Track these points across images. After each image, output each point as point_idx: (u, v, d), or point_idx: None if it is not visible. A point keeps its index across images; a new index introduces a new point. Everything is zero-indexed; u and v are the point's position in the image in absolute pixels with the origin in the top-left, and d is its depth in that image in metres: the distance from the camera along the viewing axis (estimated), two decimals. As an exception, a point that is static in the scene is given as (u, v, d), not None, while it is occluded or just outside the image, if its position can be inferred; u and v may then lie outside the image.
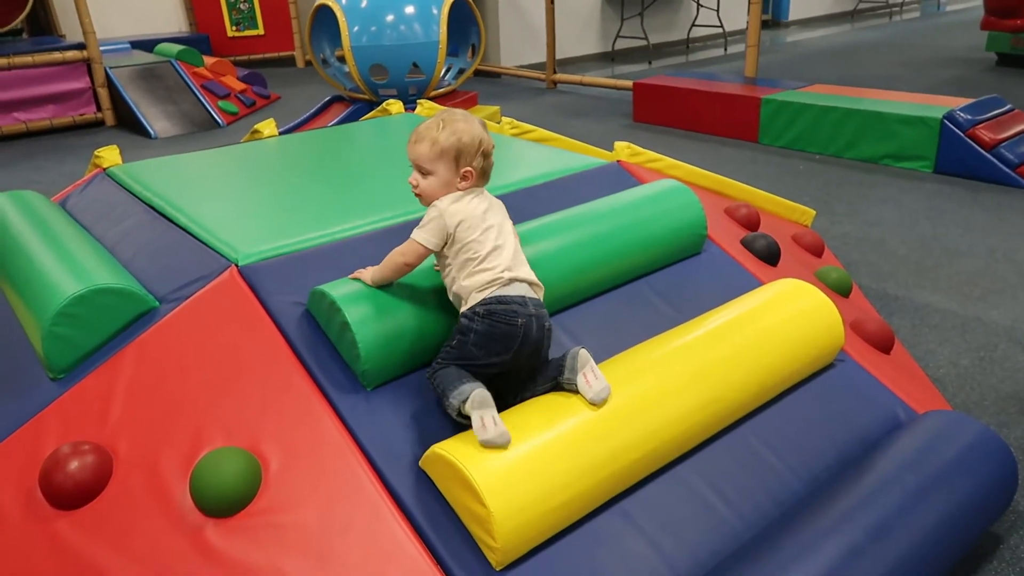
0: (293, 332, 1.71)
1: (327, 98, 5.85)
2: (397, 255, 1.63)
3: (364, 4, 5.26)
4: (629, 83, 6.27)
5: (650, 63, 8.86)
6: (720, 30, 9.77)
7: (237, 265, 1.83)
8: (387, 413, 1.61)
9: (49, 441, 1.59)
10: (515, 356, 1.55)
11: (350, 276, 1.71)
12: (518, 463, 1.44)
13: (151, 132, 6.10)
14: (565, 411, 1.54)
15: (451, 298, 1.63)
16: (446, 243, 1.58)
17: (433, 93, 5.52)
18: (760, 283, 2.22)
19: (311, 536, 1.43)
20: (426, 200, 1.63)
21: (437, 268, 1.70)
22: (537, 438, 1.48)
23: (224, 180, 2.54)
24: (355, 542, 1.43)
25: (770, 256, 2.41)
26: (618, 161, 2.58)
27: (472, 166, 1.58)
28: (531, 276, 1.62)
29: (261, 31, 9.30)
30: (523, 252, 1.67)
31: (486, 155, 1.60)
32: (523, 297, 1.56)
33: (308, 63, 9.41)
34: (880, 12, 12.55)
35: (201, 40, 8.58)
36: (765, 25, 11.19)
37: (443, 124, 1.57)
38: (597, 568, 1.46)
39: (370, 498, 1.48)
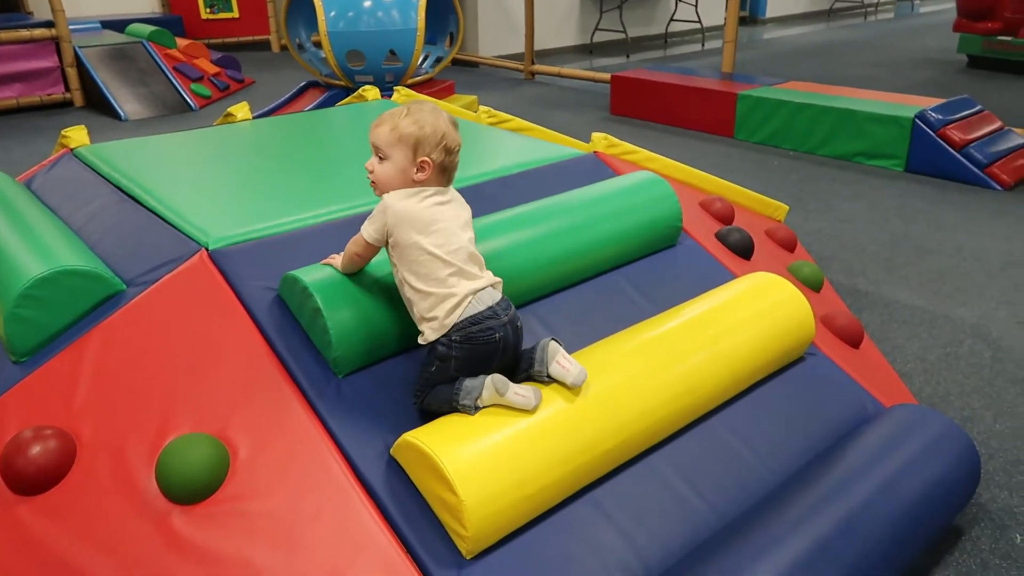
0: (264, 318, 1.69)
1: (302, 83, 5.78)
2: (350, 245, 1.61)
3: (341, -11, 5.20)
4: (607, 76, 6.28)
5: (628, 56, 8.87)
6: (698, 25, 9.81)
7: (207, 249, 1.80)
8: (358, 401, 1.60)
9: (10, 425, 1.55)
10: (496, 366, 1.54)
11: (322, 262, 1.69)
12: (489, 452, 1.43)
13: (121, 114, 5.98)
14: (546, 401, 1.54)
15: (404, 301, 1.57)
16: (388, 242, 1.54)
17: (410, 81, 5.48)
18: (734, 276, 2.23)
19: (280, 524, 1.41)
20: (380, 189, 1.57)
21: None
22: (509, 428, 1.48)
23: (195, 163, 2.49)
24: (325, 531, 1.41)
25: (744, 250, 2.43)
26: (595, 152, 2.58)
27: (430, 158, 1.51)
28: (490, 276, 1.57)
29: (236, 14, 9.16)
30: (479, 247, 1.59)
31: (448, 151, 1.53)
32: (492, 308, 1.51)
33: (283, 48, 9.29)
34: (855, 12, 12.68)
35: (174, 21, 8.44)
36: (743, 22, 11.26)
37: (408, 111, 1.54)
38: (567, 558, 1.46)
39: (340, 486, 1.46)
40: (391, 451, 1.51)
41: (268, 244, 1.86)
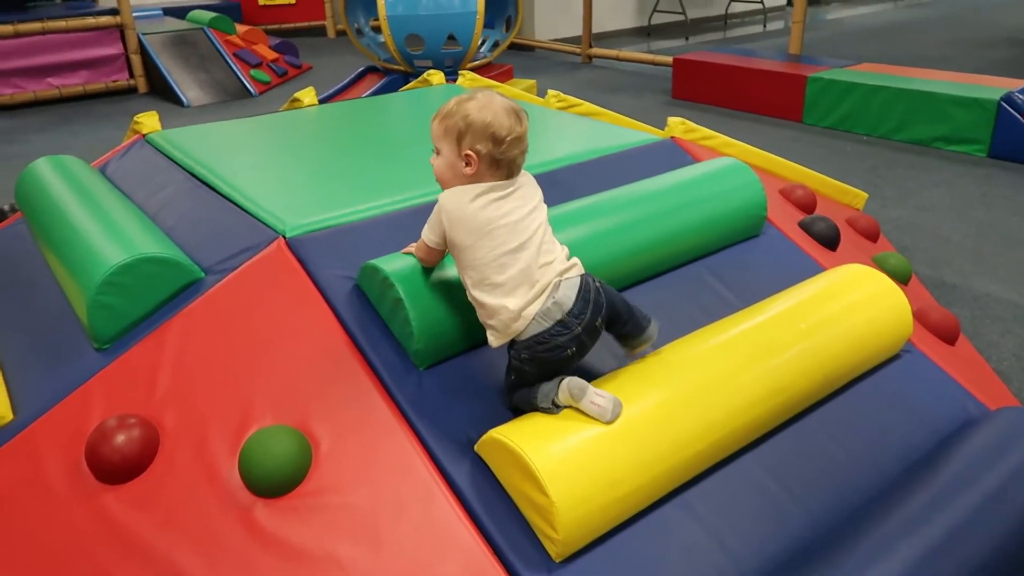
0: (343, 308, 1.66)
1: (361, 68, 5.77)
2: (414, 248, 1.57)
3: (401, -28, 5.15)
4: (668, 59, 6.13)
5: (687, 39, 8.67)
6: (760, 6, 9.53)
7: (285, 237, 1.78)
8: (439, 394, 1.55)
9: (95, 413, 1.55)
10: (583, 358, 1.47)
11: (402, 251, 1.65)
12: (580, 451, 1.37)
13: (183, 100, 6.06)
14: (628, 399, 1.47)
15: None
16: (446, 244, 1.47)
17: (470, 65, 5.42)
18: (821, 268, 2.12)
19: (363, 519, 1.38)
20: (441, 184, 1.48)
21: None
22: (599, 426, 1.41)
23: (266, 149, 2.48)
24: (409, 527, 1.38)
25: (829, 240, 2.32)
26: (672, 137, 2.49)
27: (475, 149, 1.39)
28: (561, 268, 1.42)
29: (292, 0, 9.20)
30: (555, 236, 1.48)
31: (498, 141, 1.38)
32: (562, 321, 1.38)
33: (339, 33, 9.31)
34: (924, -10, 12.17)
35: (232, 8, 8.52)
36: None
37: (459, 101, 1.44)
38: (659, 562, 1.40)
39: (423, 482, 1.42)
40: (475, 447, 1.47)
41: (344, 232, 1.83)
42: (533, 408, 1.47)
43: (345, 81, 5.64)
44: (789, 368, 1.65)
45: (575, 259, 1.48)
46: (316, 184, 2.11)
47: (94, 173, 2.35)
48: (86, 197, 2.05)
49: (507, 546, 1.35)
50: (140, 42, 6.34)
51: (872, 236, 2.82)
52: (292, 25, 9.24)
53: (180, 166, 2.32)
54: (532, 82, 5.71)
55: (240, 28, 7.19)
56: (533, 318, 1.39)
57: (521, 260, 1.40)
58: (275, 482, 1.40)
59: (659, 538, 1.43)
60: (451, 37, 5.28)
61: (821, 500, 1.58)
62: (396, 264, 1.59)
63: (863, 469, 1.66)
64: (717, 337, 1.68)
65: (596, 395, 1.41)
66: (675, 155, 2.39)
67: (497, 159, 1.41)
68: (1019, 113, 4.11)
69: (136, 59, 6.36)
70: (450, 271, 1.60)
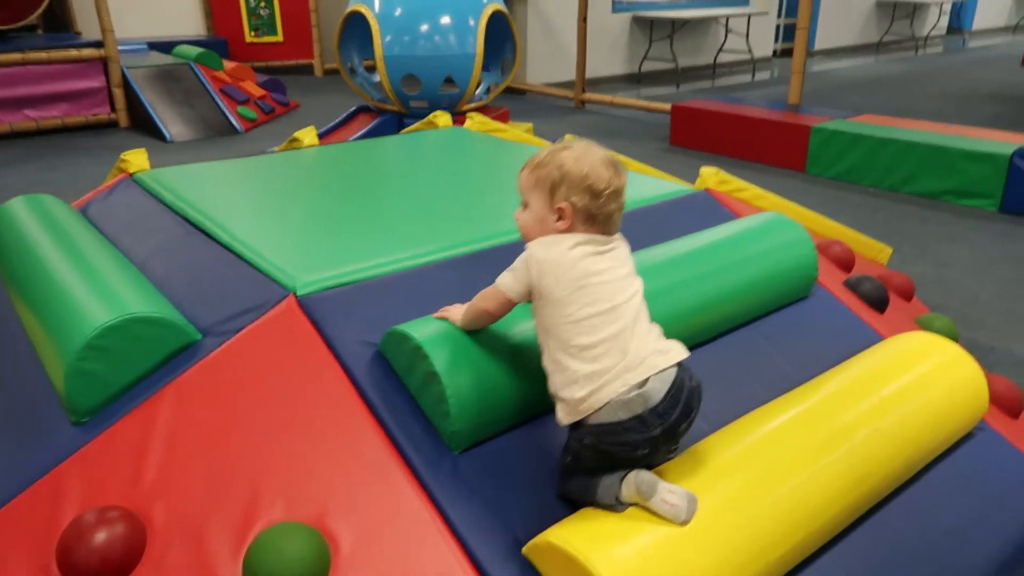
0: (363, 378, 1.44)
1: (353, 108, 5.60)
2: (479, 299, 1.36)
3: (398, 12, 5.03)
4: (664, 105, 6.04)
5: (678, 86, 8.65)
6: (747, 56, 9.59)
7: (295, 294, 1.56)
8: (478, 483, 1.33)
9: (70, 503, 1.31)
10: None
11: (436, 315, 1.44)
12: (652, 560, 1.16)
13: (167, 135, 5.84)
14: (700, 495, 1.27)
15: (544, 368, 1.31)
16: (532, 296, 1.29)
17: (466, 107, 5.28)
18: (876, 334, 1.95)
19: (394, 641, 1.15)
20: (526, 238, 1.33)
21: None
22: (669, 527, 1.20)
23: (267, 193, 2.27)
24: (449, 651, 1.15)
25: (878, 301, 2.15)
26: (706, 189, 2.32)
27: (570, 202, 1.25)
28: (657, 362, 1.23)
29: (280, 38, 9.08)
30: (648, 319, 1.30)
31: (595, 194, 1.25)
32: (641, 416, 1.19)
33: (327, 72, 9.19)
34: (906, 45, 12.40)
35: (219, 44, 8.35)
36: (789, 53, 11.01)
37: (553, 151, 1.29)
38: None
39: (466, 594, 1.20)
40: (524, 550, 1.25)
41: (362, 290, 1.62)
42: (591, 503, 1.25)
43: (337, 120, 5.47)
44: (870, 452, 1.46)
45: (675, 342, 1.29)
46: (326, 234, 1.90)
47: (75, 215, 2.12)
48: (66, 244, 1.83)
49: (568, 676, 1.13)
50: (124, 76, 6.13)
51: (907, 295, 2.67)
52: (279, 63, 9.10)
53: (172, 209, 2.10)
54: (529, 125, 5.57)
55: (228, 64, 7.02)
56: (608, 403, 1.19)
57: (615, 324, 1.22)
58: (289, 593, 1.16)
59: (741, 661, 1.22)
60: (448, 79, 5.14)
61: (911, 607, 1.38)
62: (429, 331, 1.38)
63: (952, 567, 1.46)
64: (786, 417, 1.48)
65: (668, 491, 1.20)
66: (712, 208, 2.22)
67: (593, 214, 1.27)
68: (1031, 168, 4.03)
69: (119, 93, 6.14)
70: (488, 339, 1.40)
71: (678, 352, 1.26)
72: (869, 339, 1.92)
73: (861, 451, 1.45)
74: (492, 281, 1.33)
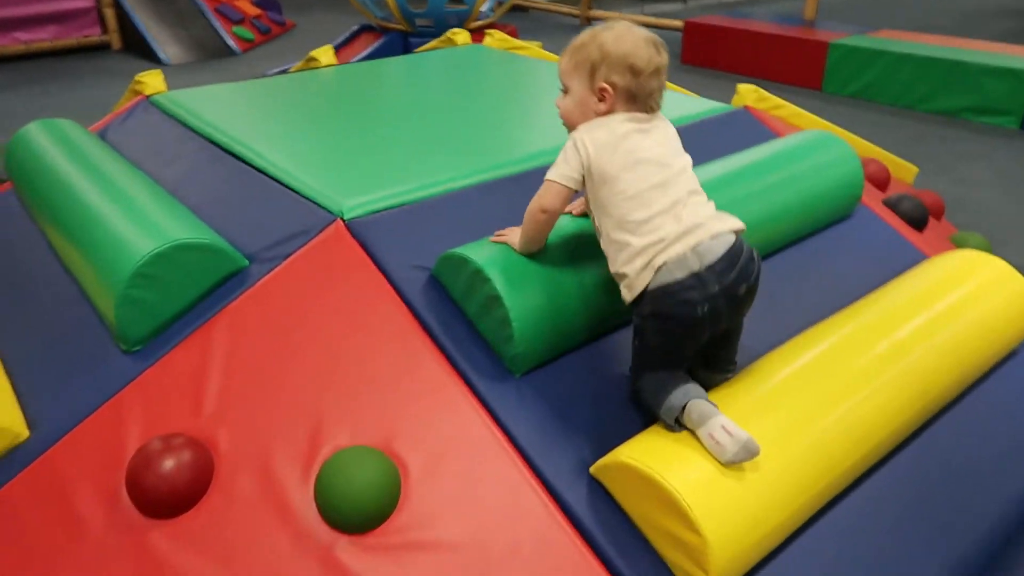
0: (419, 303, 1.42)
1: (355, 27, 5.42)
2: (534, 203, 1.31)
3: (401, -76, 4.81)
4: (677, 22, 5.87)
5: (686, 1, 8.39)
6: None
7: (343, 219, 1.52)
8: (542, 405, 1.33)
9: (133, 431, 1.30)
10: (713, 334, 1.25)
11: (492, 238, 1.41)
12: (730, 483, 1.17)
13: (162, 57, 5.66)
14: (767, 417, 1.27)
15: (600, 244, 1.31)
16: (585, 178, 1.27)
17: (473, 25, 5.11)
18: (921, 253, 1.93)
19: (469, 560, 1.17)
20: (568, 125, 1.33)
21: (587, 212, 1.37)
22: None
23: (295, 115, 2.19)
24: (524, 569, 1.16)
25: (918, 220, 2.13)
26: (745, 106, 2.26)
27: (610, 81, 1.25)
28: (712, 226, 1.22)
29: (270, -47, 8.71)
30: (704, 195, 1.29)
31: (636, 72, 1.24)
32: (698, 274, 1.19)
33: (320, -10, 8.85)
34: (914, -43, 11.98)
35: (207, -39, 8.01)
36: (797, -34, 10.64)
37: (593, 33, 1.28)
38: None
39: (537, 513, 1.21)
40: (592, 470, 1.25)
41: (410, 212, 1.58)
42: (654, 409, 1.25)
43: (339, 40, 5.30)
44: (925, 369, 1.46)
45: (731, 216, 1.28)
46: (363, 157, 1.84)
47: (95, 140, 2.05)
48: (95, 170, 1.77)
49: (643, 590, 1.15)
50: (113, -5, 5.90)
51: (938, 215, 2.64)
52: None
53: (197, 133, 2.03)
54: (538, 44, 5.41)
55: (219, -18, 6.74)
56: (664, 264, 1.19)
57: (668, 196, 1.23)
58: (364, 515, 1.17)
59: (810, 566, 1.24)
60: (454, -5, 4.96)
61: (961, 515, 1.40)
62: (488, 254, 1.35)
63: (998, 486, 1.49)
64: (842, 335, 1.48)
65: (720, 427, 1.17)
66: (752, 126, 2.17)
67: (635, 93, 1.26)
68: (1056, 84, 3.95)
69: (110, 13, 5.92)
70: (548, 261, 1.37)
71: (735, 221, 1.26)
72: (913, 257, 1.90)
73: (917, 368, 1.45)
74: (539, 202, 1.31)
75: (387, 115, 2.16)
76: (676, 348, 1.25)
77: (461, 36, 3.06)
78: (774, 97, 2.33)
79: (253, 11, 6.56)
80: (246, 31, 6.20)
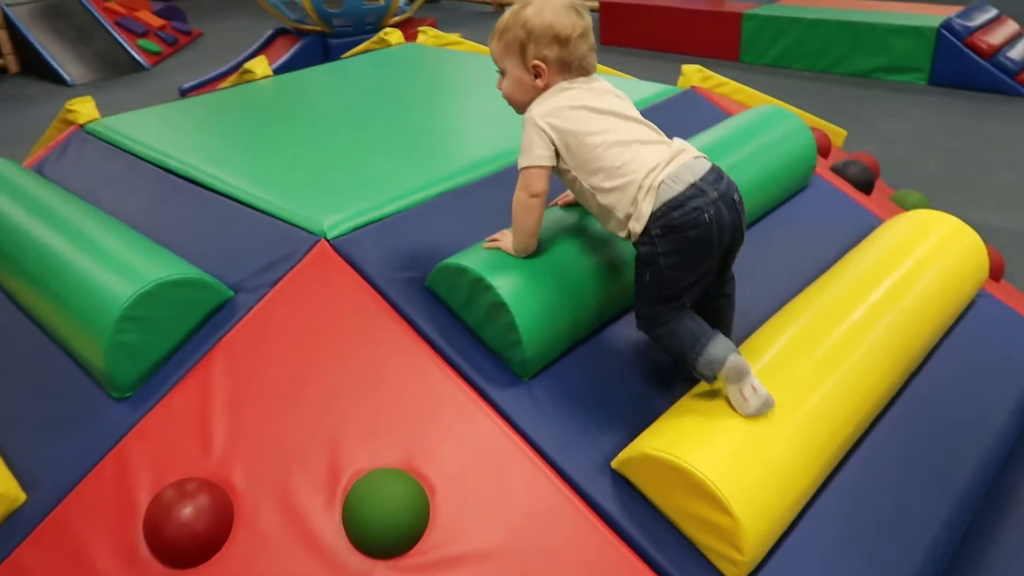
0: (418, 316, 1.41)
1: (269, 32, 5.27)
2: (520, 194, 1.31)
3: (309, -78, 4.69)
4: (593, 2, 5.92)
5: (593, -18, 8.46)
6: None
7: (326, 238, 1.50)
8: (555, 406, 1.35)
9: (142, 481, 1.25)
10: (720, 254, 1.29)
11: (484, 244, 1.41)
12: (753, 461, 1.21)
13: (66, 78, 5.38)
14: (773, 383, 1.32)
15: (594, 213, 1.35)
16: (558, 150, 1.29)
17: (392, 21, 5.05)
18: (876, 217, 2.03)
19: (507, 567, 1.18)
20: (515, 106, 1.37)
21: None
22: (758, 427, 1.25)
23: (246, 133, 2.13)
24: (562, 569, 1.18)
25: (865, 184, 2.23)
26: (692, 87, 2.31)
27: (541, 56, 1.28)
28: (691, 150, 1.30)
29: (164, -41, 8.36)
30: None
31: (564, 41, 1.28)
32: (695, 184, 1.24)
33: (221, -6, 8.56)
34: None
35: (97, -29, 7.63)
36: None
37: (514, 13, 1.31)
38: (835, 554, 1.27)
39: (568, 513, 1.23)
40: (614, 464, 1.28)
41: (392, 225, 1.57)
42: (683, 361, 1.29)
43: (255, 46, 5.15)
44: (901, 329, 1.54)
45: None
46: (331, 172, 1.81)
47: (37, 178, 1.94)
48: (49, 213, 1.67)
49: (681, 575, 1.18)
50: (6, 15, 5.56)
51: (875, 176, 2.77)
52: (167, -13, 8.41)
53: (147, 160, 1.95)
54: (457, 35, 5.38)
55: (116, -7, 6.45)
56: (663, 182, 1.23)
57: (641, 134, 1.30)
58: (397, 538, 1.17)
59: (825, 530, 1.30)
60: (371, -8, 4.88)
61: (958, 467, 1.49)
62: (488, 261, 1.36)
63: (981, 423, 1.59)
64: (826, 307, 1.54)
65: (750, 387, 1.24)
66: (703, 107, 2.22)
67: (568, 61, 1.30)
68: (958, 39, 4.17)
69: (3, 35, 5.58)
70: (543, 262, 1.38)
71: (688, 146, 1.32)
72: (869, 222, 1.99)
73: (895, 328, 1.53)
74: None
75: (343, 125, 2.12)
76: (690, 266, 1.27)
77: (395, 36, 3.02)
78: (717, 75, 2.39)
79: (157, 22, 6.31)
80: (152, 44, 5.96)
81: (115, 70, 5.59)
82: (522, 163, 1.31)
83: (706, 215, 1.24)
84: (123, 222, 1.73)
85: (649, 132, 1.32)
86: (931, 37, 4.24)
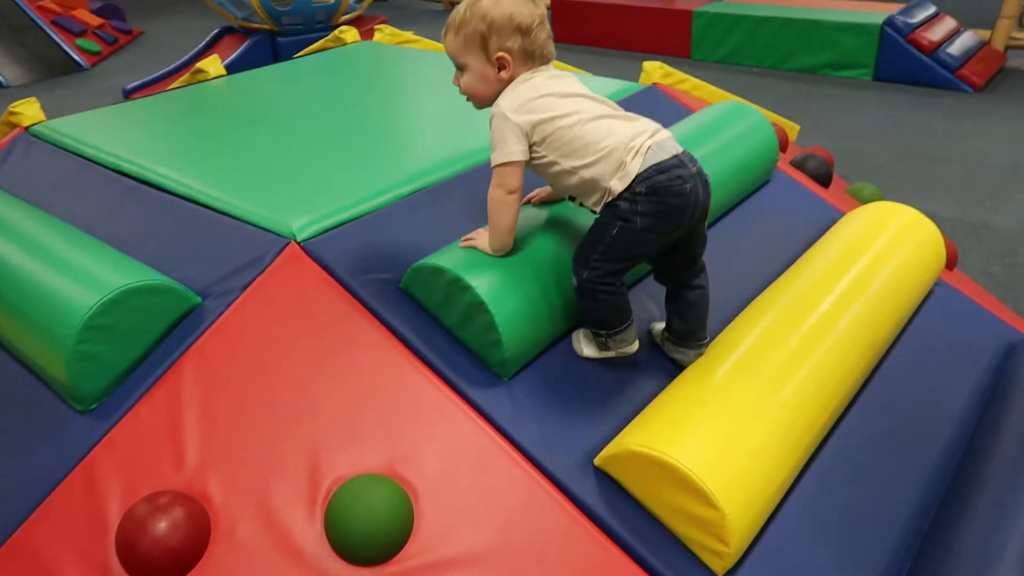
0: (393, 318, 1.39)
1: (215, 30, 5.15)
2: (495, 191, 1.30)
3: (254, -82, 4.59)
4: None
5: (542, -21, 8.48)
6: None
7: (296, 240, 1.46)
8: (535, 406, 1.34)
9: (112, 496, 1.21)
10: (685, 229, 1.32)
11: (461, 243, 1.40)
12: (733, 451, 1.22)
13: (1, 80, 5.17)
14: (749, 374, 1.34)
15: (574, 191, 1.34)
16: (532, 141, 1.29)
17: (343, 19, 4.98)
18: (836, 210, 2.07)
19: (496, 568, 1.17)
20: (476, 102, 1.36)
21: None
22: (739, 420, 1.27)
23: (203, 134, 2.07)
24: (551, 568, 1.18)
25: (824, 177, 2.27)
26: (654, 84, 2.33)
27: (505, 48, 1.28)
28: (663, 129, 1.33)
29: (101, -45, 8.10)
30: None
31: (525, 31, 1.28)
32: (678, 156, 1.28)
33: (162, -8, 8.34)
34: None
35: (29, -32, 7.35)
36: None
37: (470, 6, 1.29)
38: (811, 543, 1.29)
39: (555, 512, 1.22)
40: (597, 461, 1.28)
41: (362, 226, 1.54)
42: (598, 328, 1.37)
43: (201, 45, 5.02)
44: (868, 319, 1.58)
45: None
46: (295, 173, 1.76)
47: (-19, 183, 1.86)
48: (-1, 217, 1.61)
49: (668, 569, 1.19)
50: (-69, 14, 5.33)
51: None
52: (103, -15, 8.15)
53: (100, 164, 1.88)
54: (409, 33, 5.33)
55: (50, -8, 6.22)
56: (650, 147, 1.26)
57: (609, 112, 1.31)
58: (383, 545, 1.15)
59: (802, 520, 1.32)
60: (320, -11, 4.81)
61: (923, 451, 1.53)
62: (464, 261, 1.34)
63: (948, 404, 1.63)
64: (795, 300, 1.57)
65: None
66: (665, 103, 2.24)
67: (530, 51, 1.30)
68: (900, 36, 4.30)
69: (-70, 35, 5.34)
70: (519, 261, 1.37)
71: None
72: (830, 215, 2.03)
73: (862, 318, 1.56)
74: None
75: (303, 125, 2.08)
76: (661, 231, 1.28)
77: (350, 34, 2.98)
78: (677, 72, 2.42)
79: (95, 21, 6.10)
80: (91, 43, 5.76)
81: (53, 70, 5.40)
82: (496, 160, 1.29)
83: (687, 185, 1.27)
84: (78, 228, 1.66)
85: (617, 109, 1.34)
86: (875, 34, 4.36)
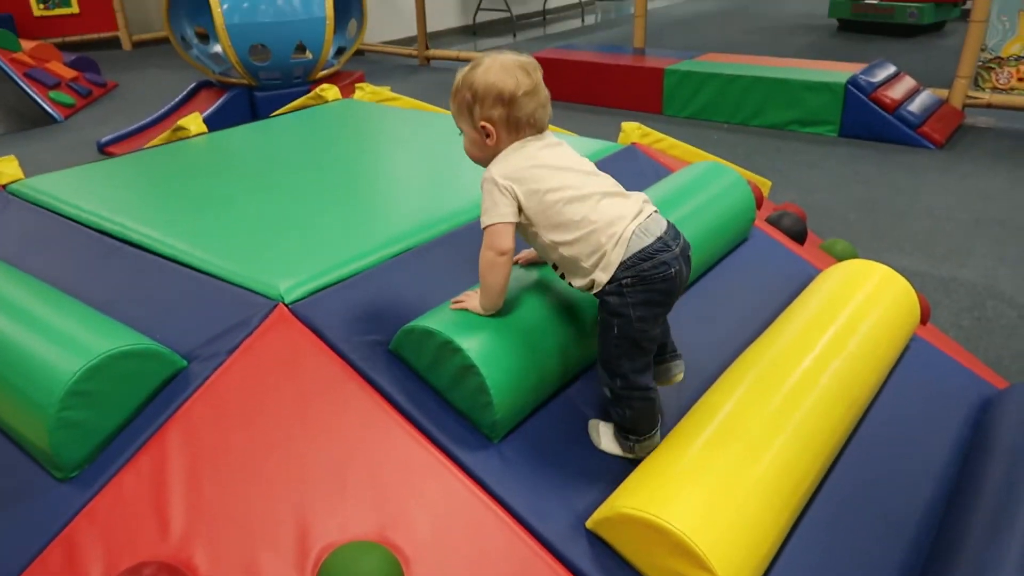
0: (383, 380, 1.39)
1: (192, 84, 5.17)
2: (487, 252, 1.31)
3: (234, -25, 4.66)
4: (518, 57, 6.07)
5: (515, 36, 8.68)
6: (575, 0, 9.77)
7: (284, 302, 1.46)
8: (526, 467, 1.34)
9: (93, 568, 1.17)
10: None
11: (451, 305, 1.41)
12: (725, 512, 1.23)
13: (-28, 132, 5.13)
14: (731, 437, 1.35)
15: (557, 266, 1.36)
16: (521, 206, 1.30)
17: (321, 74, 5.04)
18: (813, 267, 2.12)
19: (489, 640, 1.15)
20: (476, 162, 1.39)
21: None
22: (731, 480, 1.27)
23: (186, 193, 2.06)
24: (546, 637, 1.16)
25: (799, 235, 2.32)
26: (633, 143, 2.38)
27: (487, 117, 1.30)
28: (648, 199, 1.35)
29: (75, 9, 8.13)
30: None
31: (508, 101, 1.28)
32: (661, 238, 1.29)
33: (137, 44, 8.39)
34: (709, -18, 13.07)
35: (3, 20, 7.36)
36: (609, -4, 11.32)
37: (463, 74, 1.33)
38: (806, 615, 1.29)
39: (545, 575, 1.21)
40: (589, 524, 1.27)
41: (351, 287, 1.54)
42: (624, 433, 1.37)
43: (177, 99, 5.03)
44: (847, 378, 1.60)
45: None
46: (281, 234, 1.77)
47: (-42, 242, 1.84)
48: (-23, 278, 1.58)
49: (662, 636, 1.18)
50: (-98, 66, 5.29)
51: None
52: (78, 37, 8.16)
53: (80, 223, 1.87)
54: (386, 88, 5.41)
55: (26, 44, 6.21)
56: (634, 233, 1.27)
57: (603, 187, 1.32)
58: (375, 616, 1.12)
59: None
60: (299, 46, 4.86)
61: (902, 499, 1.55)
62: (454, 323, 1.35)
63: (931, 457, 1.65)
64: (775, 359, 1.59)
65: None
66: (644, 163, 2.29)
67: (516, 119, 1.31)
68: (864, 94, 4.45)
69: (-100, 87, 5.30)
70: (510, 321, 1.38)
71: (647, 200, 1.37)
72: (807, 271, 2.08)
73: (842, 377, 1.58)
74: (476, 255, 1.32)
75: (288, 184, 2.09)
76: (655, 317, 1.30)
77: (331, 92, 3.02)
78: (655, 132, 2.48)
79: (69, 73, 6.10)
80: (64, 95, 5.75)
81: (25, 122, 5.36)
82: (486, 221, 1.31)
83: (672, 270, 1.28)
84: (60, 289, 1.64)
85: (609, 184, 1.35)
86: (839, 92, 4.51)
